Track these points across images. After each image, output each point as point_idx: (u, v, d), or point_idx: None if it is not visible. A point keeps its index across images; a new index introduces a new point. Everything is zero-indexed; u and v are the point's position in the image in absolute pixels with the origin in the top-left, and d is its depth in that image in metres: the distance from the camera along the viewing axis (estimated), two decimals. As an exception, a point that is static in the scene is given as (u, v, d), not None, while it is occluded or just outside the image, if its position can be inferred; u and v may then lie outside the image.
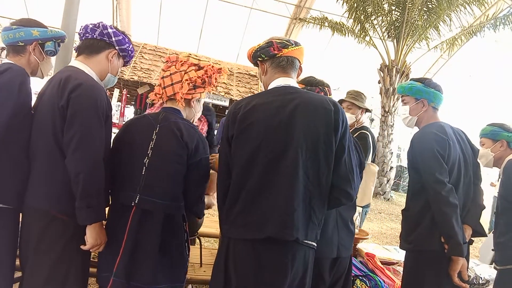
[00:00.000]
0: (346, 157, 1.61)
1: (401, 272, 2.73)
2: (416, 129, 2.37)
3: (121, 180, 1.81)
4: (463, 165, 2.17)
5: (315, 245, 1.63)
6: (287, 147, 1.56)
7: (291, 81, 1.72)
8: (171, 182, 1.80)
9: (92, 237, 1.67)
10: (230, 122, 1.66)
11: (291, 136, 1.57)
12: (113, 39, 1.84)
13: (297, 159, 1.55)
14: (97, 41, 1.83)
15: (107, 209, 1.80)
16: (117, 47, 1.87)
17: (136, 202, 1.74)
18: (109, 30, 1.83)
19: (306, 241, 1.58)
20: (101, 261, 1.79)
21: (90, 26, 1.83)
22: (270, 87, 1.73)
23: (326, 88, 2.10)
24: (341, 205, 1.74)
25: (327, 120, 1.58)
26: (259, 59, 1.77)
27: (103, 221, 1.75)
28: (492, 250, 2.46)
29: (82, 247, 1.68)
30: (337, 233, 1.93)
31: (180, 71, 1.93)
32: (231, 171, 1.65)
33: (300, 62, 1.78)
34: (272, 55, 1.72)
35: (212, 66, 1.99)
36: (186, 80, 1.92)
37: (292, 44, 1.73)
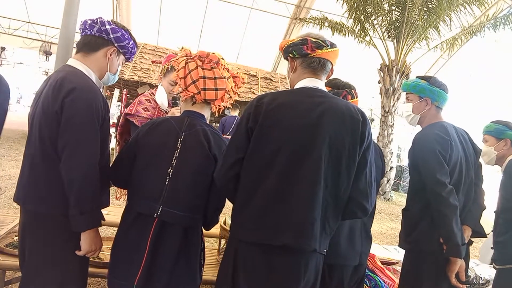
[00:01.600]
0: (368, 171, 1.56)
1: (401, 272, 2.73)
2: (418, 128, 2.37)
3: (140, 188, 1.73)
4: (464, 165, 2.16)
5: (325, 251, 1.59)
6: (310, 152, 1.50)
7: (319, 83, 1.65)
8: (196, 195, 1.72)
9: (86, 243, 1.64)
10: (252, 114, 1.57)
11: (315, 141, 1.50)
12: (112, 36, 1.76)
13: (319, 166, 1.49)
14: (95, 38, 1.76)
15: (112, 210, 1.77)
16: (116, 44, 1.79)
17: (158, 214, 1.67)
18: (107, 26, 1.76)
19: (320, 251, 1.54)
20: (115, 266, 1.72)
21: (89, 22, 1.76)
22: (297, 86, 1.66)
23: (353, 91, 2.05)
24: (355, 218, 1.70)
25: (354, 130, 1.53)
26: (290, 55, 1.68)
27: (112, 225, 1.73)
28: (491, 248, 2.46)
29: (77, 252, 1.67)
30: (360, 241, 1.93)
31: (224, 77, 1.83)
32: (241, 166, 1.57)
33: (332, 65, 1.70)
34: (304, 54, 1.63)
35: (239, 75, 1.93)
36: (231, 88, 1.86)
37: (328, 46, 1.64)
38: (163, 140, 1.75)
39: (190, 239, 1.73)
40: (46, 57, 15.79)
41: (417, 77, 2.35)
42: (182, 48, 1.93)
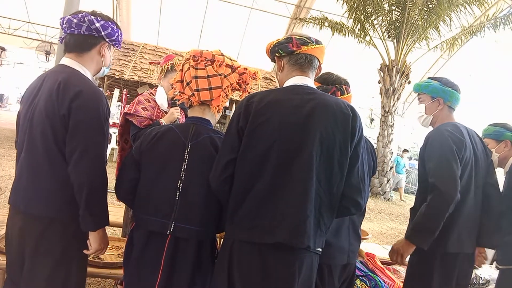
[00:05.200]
0: (359, 166, 1.56)
1: (401, 272, 2.73)
2: (417, 128, 2.36)
3: (149, 204, 1.66)
4: (474, 168, 2.13)
5: (321, 250, 1.59)
6: (302, 149, 1.49)
7: (308, 80, 1.64)
8: (209, 207, 1.66)
9: (96, 242, 1.66)
10: (242, 114, 1.56)
11: (306, 138, 1.50)
12: (103, 33, 1.73)
13: (311, 163, 1.48)
14: (85, 37, 1.71)
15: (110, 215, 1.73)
16: (107, 39, 1.75)
17: (171, 230, 1.61)
18: (97, 24, 1.69)
19: (314, 249, 1.53)
20: (132, 285, 1.69)
21: (75, 20, 1.67)
22: (286, 84, 1.65)
23: (343, 87, 2.01)
24: (349, 215, 1.68)
25: (344, 126, 1.52)
26: (277, 54, 1.68)
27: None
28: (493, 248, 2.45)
29: (85, 251, 1.68)
30: (348, 240, 1.91)
31: (220, 75, 1.74)
32: (234, 166, 1.55)
33: (319, 62, 1.70)
34: (290, 52, 1.64)
35: (248, 71, 1.84)
36: (228, 86, 1.76)
37: (313, 42, 1.65)
38: (169, 151, 1.67)
39: (204, 252, 1.69)
40: (46, 57, 15.80)
41: (428, 78, 2.34)
42: (188, 53, 1.85)
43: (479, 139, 2.26)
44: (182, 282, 1.63)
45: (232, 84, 1.78)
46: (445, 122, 2.20)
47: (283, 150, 1.51)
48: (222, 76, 1.75)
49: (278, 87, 1.73)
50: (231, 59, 1.82)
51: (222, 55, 1.80)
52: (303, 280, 1.52)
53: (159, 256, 1.62)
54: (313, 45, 1.64)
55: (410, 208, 2.26)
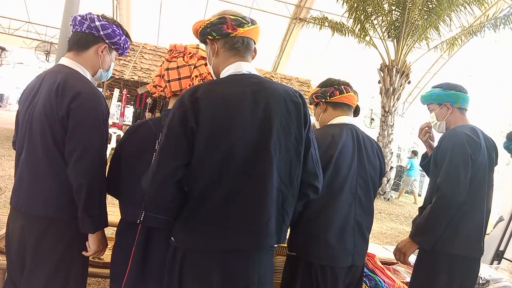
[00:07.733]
0: (313, 151, 1.51)
1: (401, 272, 2.73)
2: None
3: (125, 195, 1.72)
4: (487, 172, 2.13)
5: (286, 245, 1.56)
6: (262, 147, 1.39)
7: (249, 66, 1.49)
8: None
9: (94, 244, 1.66)
10: (189, 112, 1.35)
11: (265, 136, 1.39)
12: (102, 32, 1.70)
13: (271, 160, 1.39)
14: (85, 35, 1.71)
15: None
16: (107, 41, 1.74)
17: (141, 219, 1.64)
18: (97, 23, 1.69)
19: (277, 245, 1.49)
20: (112, 272, 1.74)
21: (79, 18, 1.70)
22: (225, 72, 1.48)
23: (342, 86, 2.01)
24: (307, 199, 1.62)
25: (297, 114, 1.45)
26: (209, 37, 1.50)
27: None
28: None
29: (84, 253, 1.68)
30: (353, 241, 1.87)
31: (189, 65, 1.76)
32: (183, 170, 1.39)
33: (255, 43, 1.55)
34: (225, 34, 1.47)
35: None
36: (196, 76, 1.75)
37: (248, 23, 1.50)
38: (142, 143, 1.71)
39: None
40: (46, 57, 15.81)
41: (432, 87, 2.37)
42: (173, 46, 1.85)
43: (493, 144, 2.25)
44: (153, 272, 1.64)
45: (203, 74, 1.77)
46: (459, 124, 2.20)
47: (244, 151, 1.38)
48: (192, 66, 1.76)
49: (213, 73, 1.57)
50: (202, 50, 1.81)
51: (197, 47, 1.81)
52: (263, 275, 1.46)
53: (131, 245, 1.65)
54: (249, 27, 1.50)
55: (419, 207, 2.27)
